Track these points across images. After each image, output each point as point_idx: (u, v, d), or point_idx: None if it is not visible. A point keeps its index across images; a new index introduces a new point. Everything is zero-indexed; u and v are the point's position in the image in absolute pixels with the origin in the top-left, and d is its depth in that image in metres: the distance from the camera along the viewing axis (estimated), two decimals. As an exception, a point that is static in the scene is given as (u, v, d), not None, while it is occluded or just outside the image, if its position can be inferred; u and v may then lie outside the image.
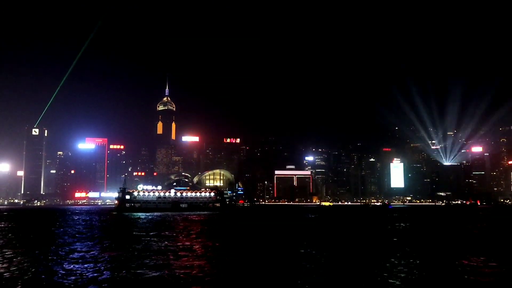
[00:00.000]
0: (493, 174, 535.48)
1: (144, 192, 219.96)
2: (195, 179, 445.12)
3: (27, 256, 42.43)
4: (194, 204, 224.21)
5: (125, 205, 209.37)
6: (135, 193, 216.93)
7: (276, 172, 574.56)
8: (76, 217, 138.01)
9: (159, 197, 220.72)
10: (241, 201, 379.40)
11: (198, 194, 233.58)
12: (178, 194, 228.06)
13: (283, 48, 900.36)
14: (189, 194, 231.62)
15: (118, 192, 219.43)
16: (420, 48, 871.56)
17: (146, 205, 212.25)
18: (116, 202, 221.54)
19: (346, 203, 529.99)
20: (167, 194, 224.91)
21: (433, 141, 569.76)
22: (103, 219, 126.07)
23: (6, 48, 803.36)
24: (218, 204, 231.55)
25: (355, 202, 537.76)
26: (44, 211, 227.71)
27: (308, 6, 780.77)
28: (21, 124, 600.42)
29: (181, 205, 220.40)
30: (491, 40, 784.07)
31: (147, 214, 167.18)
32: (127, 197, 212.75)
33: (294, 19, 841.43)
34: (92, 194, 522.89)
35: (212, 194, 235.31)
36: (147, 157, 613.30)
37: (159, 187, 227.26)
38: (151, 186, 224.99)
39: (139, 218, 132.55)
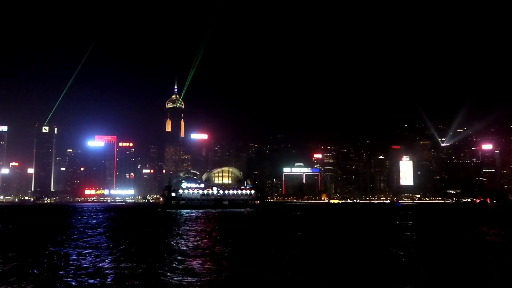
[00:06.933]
0: (503, 172, 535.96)
1: (188, 190, 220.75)
2: (204, 177, 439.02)
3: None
4: (235, 202, 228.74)
5: (170, 202, 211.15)
6: (180, 191, 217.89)
7: (285, 169, 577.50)
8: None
9: (202, 195, 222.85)
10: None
11: (239, 192, 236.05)
12: (221, 191, 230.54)
13: (292, 46, 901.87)
14: (231, 192, 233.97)
15: (164, 190, 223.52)
16: (429, 45, 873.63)
17: (190, 202, 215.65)
18: (162, 199, 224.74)
19: (355, 200, 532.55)
20: (210, 191, 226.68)
21: (443, 139, 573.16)
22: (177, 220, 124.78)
23: (16, 47, 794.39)
24: (258, 202, 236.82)
25: (365, 200, 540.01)
26: (65, 208, 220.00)
27: (317, 6, 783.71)
28: (31, 122, 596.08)
29: (223, 202, 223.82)
30: (503, 38, 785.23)
31: (200, 210, 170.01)
32: (173, 194, 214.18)
33: (299, 20, 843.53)
34: (101, 191, 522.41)
35: (253, 192, 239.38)
36: (156, 154, 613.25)
37: (202, 185, 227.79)
38: (194, 184, 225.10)
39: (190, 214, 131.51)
